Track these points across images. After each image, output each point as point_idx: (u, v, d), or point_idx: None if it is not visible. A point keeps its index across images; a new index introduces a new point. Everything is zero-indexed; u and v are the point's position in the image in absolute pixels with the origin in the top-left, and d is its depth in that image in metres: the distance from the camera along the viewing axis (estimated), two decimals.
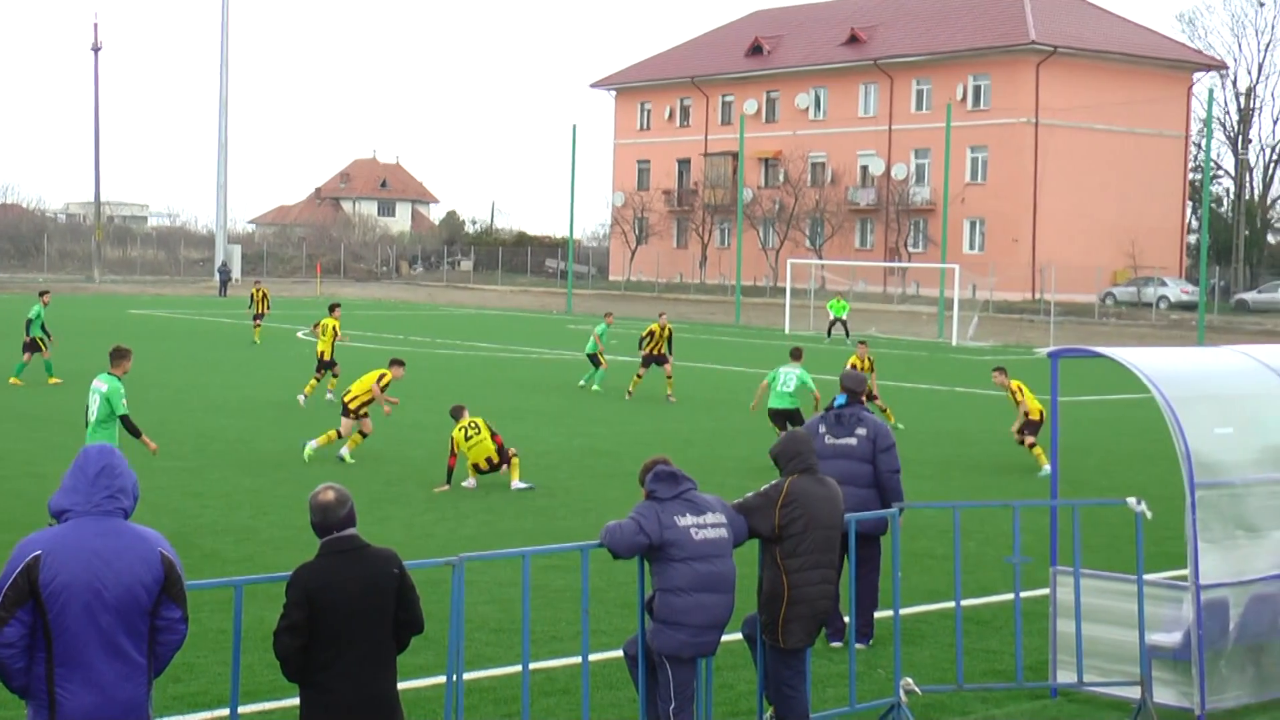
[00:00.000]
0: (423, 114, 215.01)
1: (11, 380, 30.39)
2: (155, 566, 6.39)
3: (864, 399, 12.39)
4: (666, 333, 31.58)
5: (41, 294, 34.32)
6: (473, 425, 19.26)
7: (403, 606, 7.08)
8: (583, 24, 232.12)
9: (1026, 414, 22.24)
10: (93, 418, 15.37)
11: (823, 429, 12.06)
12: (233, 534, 15.80)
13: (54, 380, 30.64)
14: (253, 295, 45.30)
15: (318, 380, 29.26)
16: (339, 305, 31.54)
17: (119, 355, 15.99)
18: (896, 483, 11.99)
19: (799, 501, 9.25)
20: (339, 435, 21.21)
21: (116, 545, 6.35)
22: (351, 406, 21.28)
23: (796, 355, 23.90)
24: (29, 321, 31.68)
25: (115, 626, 6.31)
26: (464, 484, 19.20)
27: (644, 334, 31.72)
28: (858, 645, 11.47)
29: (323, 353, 29.64)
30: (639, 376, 31.22)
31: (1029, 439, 22.23)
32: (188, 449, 21.90)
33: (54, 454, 20.29)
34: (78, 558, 6.28)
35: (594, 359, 32.55)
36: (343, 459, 20.85)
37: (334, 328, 29.93)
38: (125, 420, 15.33)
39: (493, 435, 19.30)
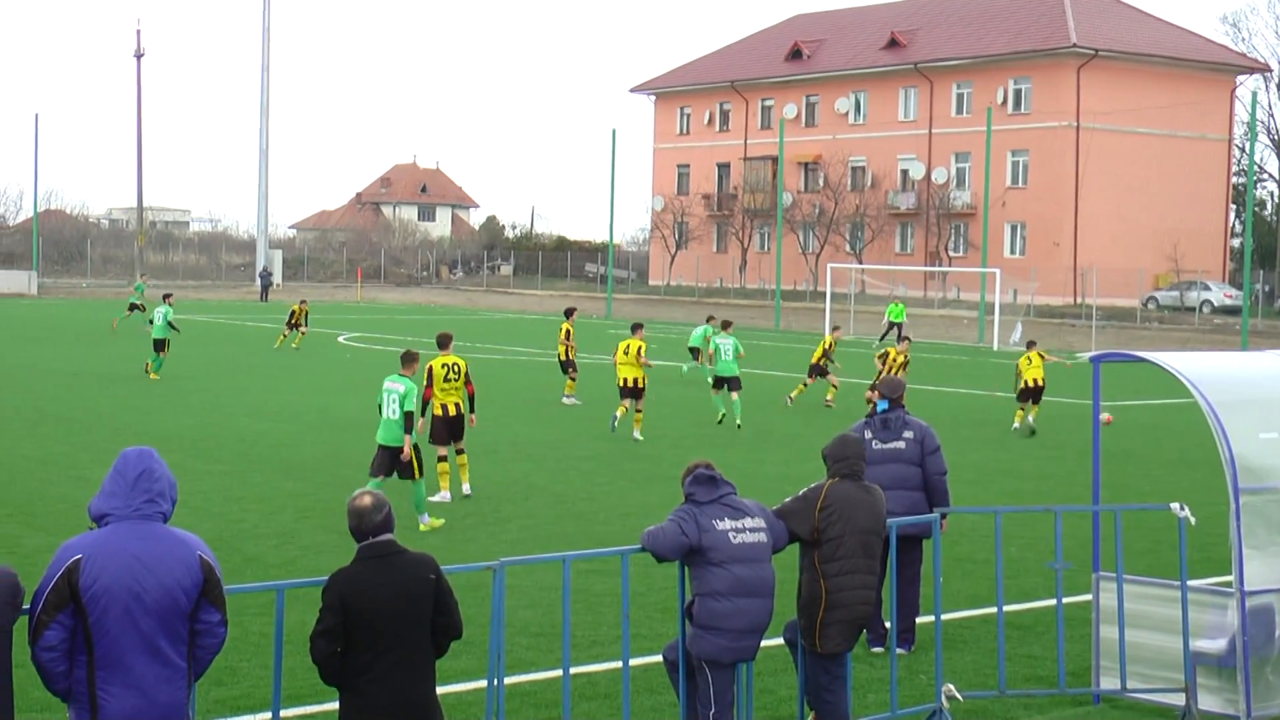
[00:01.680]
0: (463, 119, 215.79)
1: (152, 376, 33.28)
2: (194, 570, 6.43)
3: (903, 402, 12.40)
4: (834, 346, 31.81)
5: (166, 296, 37.30)
6: (455, 368, 18.66)
7: (440, 611, 7.09)
8: (622, 28, 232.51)
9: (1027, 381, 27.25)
10: (392, 415, 16.71)
11: (869, 434, 12.04)
12: (274, 538, 15.87)
13: (154, 376, 33.20)
14: (294, 311, 45.38)
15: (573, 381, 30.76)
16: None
17: (410, 359, 17.43)
18: (944, 485, 12.00)
19: (837, 506, 9.24)
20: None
21: (156, 549, 6.39)
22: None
23: (726, 325, 28.37)
24: (152, 323, 34.88)
25: (155, 630, 6.34)
26: (433, 498, 17.97)
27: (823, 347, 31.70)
28: (899, 651, 11.43)
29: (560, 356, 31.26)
30: (805, 386, 31.74)
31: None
32: (229, 453, 22.01)
33: (97, 457, 20.43)
34: (118, 561, 6.32)
35: (695, 352, 36.05)
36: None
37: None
38: (409, 416, 16.67)
39: (467, 383, 18.74)
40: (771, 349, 50.47)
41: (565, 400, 30.11)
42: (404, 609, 6.97)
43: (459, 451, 18.81)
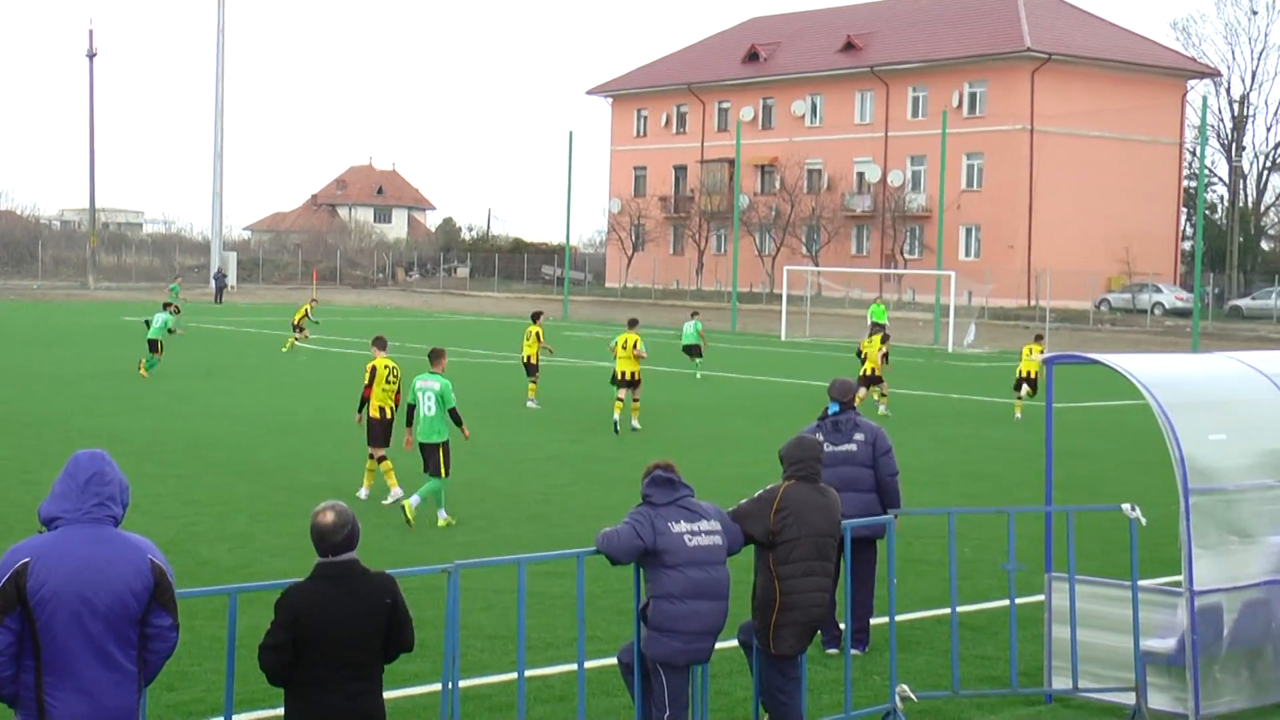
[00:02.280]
0: (419, 120, 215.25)
1: (142, 374, 34.30)
2: (145, 574, 6.38)
3: (855, 405, 12.42)
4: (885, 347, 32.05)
5: (166, 305, 38.88)
6: (394, 371, 18.95)
7: (394, 629, 7.04)
8: (579, 31, 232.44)
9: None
10: (430, 413, 17.26)
11: (820, 437, 11.99)
12: (228, 541, 15.80)
13: (144, 374, 34.22)
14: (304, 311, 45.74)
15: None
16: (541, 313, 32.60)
17: (438, 355, 17.96)
18: (895, 485, 12.04)
19: (792, 508, 9.27)
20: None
21: (106, 553, 6.34)
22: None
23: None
24: (149, 324, 36.12)
25: (105, 634, 6.29)
26: (389, 499, 18.30)
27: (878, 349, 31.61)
28: (854, 652, 11.51)
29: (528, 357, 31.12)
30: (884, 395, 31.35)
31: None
32: (183, 456, 21.89)
33: (46, 460, 20.28)
34: (67, 565, 6.26)
35: (691, 350, 36.92)
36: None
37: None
38: (453, 412, 17.33)
39: (398, 390, 18.89)
40: (728, 351, 50.53)
41: (530, 404, 30.15)
42: (357, 631, 6.90)
43: (380, 459, 18.76)
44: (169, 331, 36.31)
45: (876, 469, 12.00)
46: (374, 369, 18.84)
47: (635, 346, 26.88)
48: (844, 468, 11.88)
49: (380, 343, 19.63)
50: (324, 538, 6.96)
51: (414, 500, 16.94)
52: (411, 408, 17.67)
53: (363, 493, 18.54)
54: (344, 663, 6.90)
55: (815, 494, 9.42)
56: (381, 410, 18.70)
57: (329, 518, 6.96)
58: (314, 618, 6.85)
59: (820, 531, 9.33)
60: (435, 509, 17.17)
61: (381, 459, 18.64)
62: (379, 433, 18.70)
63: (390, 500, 18.24)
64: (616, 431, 25.81)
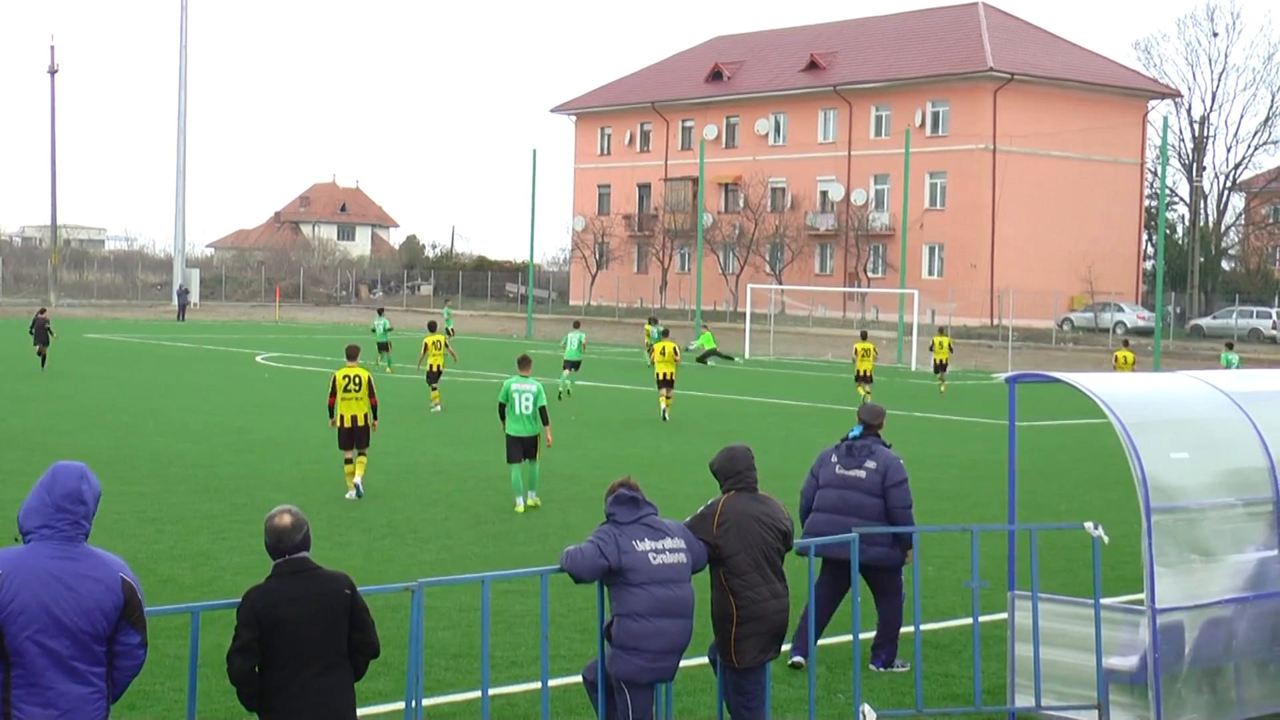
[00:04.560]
0: (383, 138, 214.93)
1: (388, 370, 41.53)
2: (116, 592, 6.38)
3: (879, 431, 12.36)
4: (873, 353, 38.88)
5: (380, 310, 50.04)
6: (356, 379, 20.16)
7: (356, 628, 7.12)
8: (543, 49, 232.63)
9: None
10: (527, 411, 19.54)
11: (834, 459, 12.11)
12: (190, 559, 15.70)
13: (389, 370, 42.25)
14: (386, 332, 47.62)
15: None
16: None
17: (525, 361, 20.17)
18: (906, 518, 12.00)
19: (732, 521, 9.25)
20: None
21: (76, 569, 6.34)
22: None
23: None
24: (374, 330, 44.77)
25: (73, 650, 6.29)
26: (347, 496, 19.85)
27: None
28: (875, 667, 12.00)
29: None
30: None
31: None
32: (144, 474, 21.76)
33: (10, 478, 20.16)
34: (37, 580, 6.27)
35: (572, 365, 38.48)
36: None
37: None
38: (543, 410, 19.67)
39: (371, 394, 20.23)
40: (692, 369, 50.58)
41: (435, 409, 31.60)
42: (320, 623, 6.99)
43: (360, 453, 20.25)
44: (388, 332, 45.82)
45: (886, 500, 11.97)
46: (333, 380, 20.34)
47: (675, 353, 32.62)
48: (847, 492, 11.94)
49: (350, 352, 20.96)
50: (281, 539, 7.11)
51: (531, 495, 19.54)
52: (502, 406, 19.71)
53: (353, 494, 19.89)
54: (311, 657, 6.96)
55: (754, 503, 9.39)
56: (342, 419, 20.10)
57: (286, 520, 7.11)
58: (276, 612, 6.94)
59: (760, 541, 9.29)
60: (529, 490, 19.59)
61: (348, 460, 20.05)
62: (345, 439, 20.13)
63: (351, 494, 19.78)
64: (665, 419, 31.39)
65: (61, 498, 6.42)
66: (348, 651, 7.11)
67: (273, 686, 6.96)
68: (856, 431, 12.22)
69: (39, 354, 40.97)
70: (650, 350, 35.25)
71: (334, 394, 20.21)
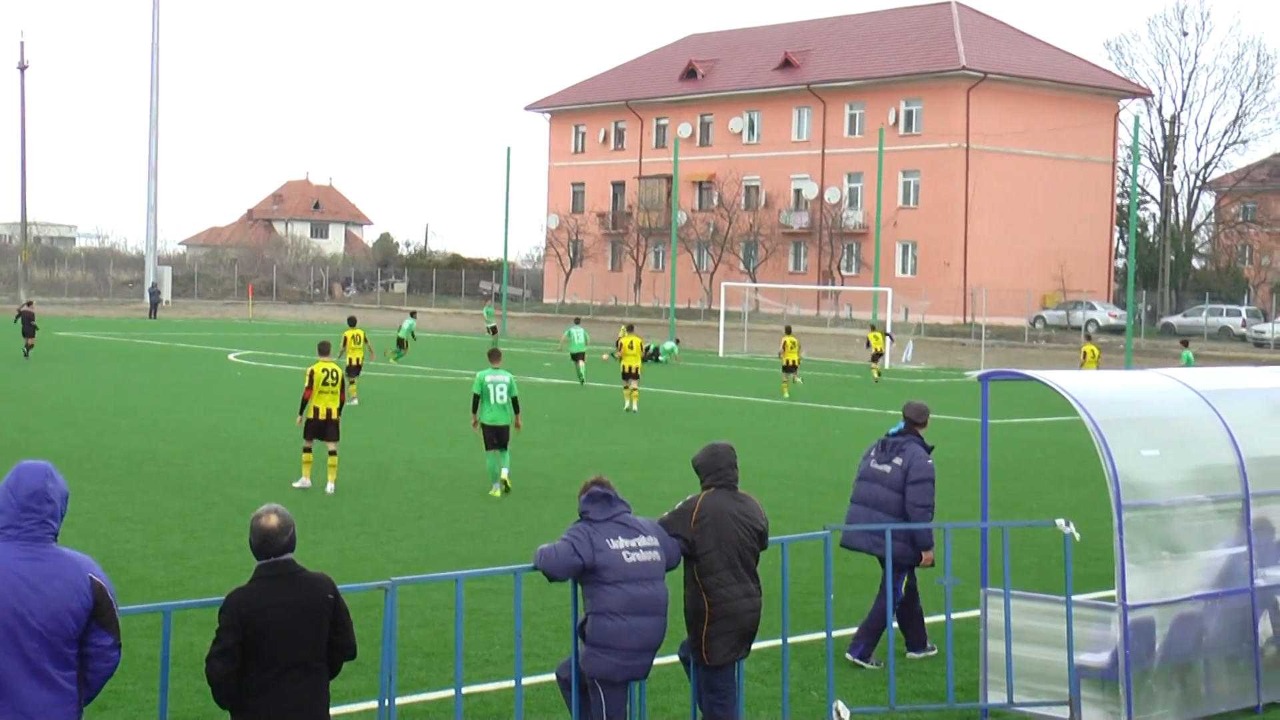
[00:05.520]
0: (356, 135, 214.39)
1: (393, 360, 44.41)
2: (85, 593, 6.27)
3: (920, 429, 12.56)
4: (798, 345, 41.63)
5: (412, 312, 52.59)
6: (333, 373, 20.82)
7: (336, 631, 7.07)
8: (517, 47, 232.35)
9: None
10: (501, 401, 20.61)
11: (872, 452, 12.51)
12: (162, 559, 15.65)
13: (393, 359, 45.79)
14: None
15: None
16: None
17: (495, 354, 21.63)
18: (920, 516, 12.13)
19: (710, 518, 9.26)
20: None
21: (43, 570, 6.23)
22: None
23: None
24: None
25: (41, 653, 6.18)
26: (295, 484, 20.45)
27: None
28: (912, 655, 12.31)
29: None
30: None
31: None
32: (116, 472, 21.68)
33: None
34: (4, 582, 6.17)
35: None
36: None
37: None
38: (515, 400, 20.73)
39: (342, 390, 20.95)
40: (665, 367, 50.62)
41: (353, 402, 31.64)
42: (301, 628, 6.93)
43: (331, 453, 20.58)
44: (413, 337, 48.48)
45: (904, 496, 12.15)
46: (311, 373, 20.72)
47: (643, 347, 34.76)
48: (874, 485, 12.26)
49: (323, 348, 21.58)
50: (268, 540, 7.00)
51: (505, 472, 20.49)
52: (477, 397, 20.71)
53: (304, 481, 20.48)
54: (291, 662, 6.90)
55: (733, 501, 9.40)
56: (316, 411, 20.57)
57: (273, 521, 7.01)
58: (260, 616, 6.86)
59: (738, 539, 9.30)
60: (501, 469, 20.57)
61: (308, 449, 20.72)
62: (313, 431, 20.62)
63: (297, 485, 20.34)
64: (634, 410, 33.05)
65: (26, 497, 6.30)
66: (326, 654, 7.07)
67: (251, 689, 6.90)
68: (898, 427, 12.46)
69: (26, 345, 44.39)
70: (618, 346, 36.02)
71: (310, 387, 20.62)
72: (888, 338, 53.32)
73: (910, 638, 12.52)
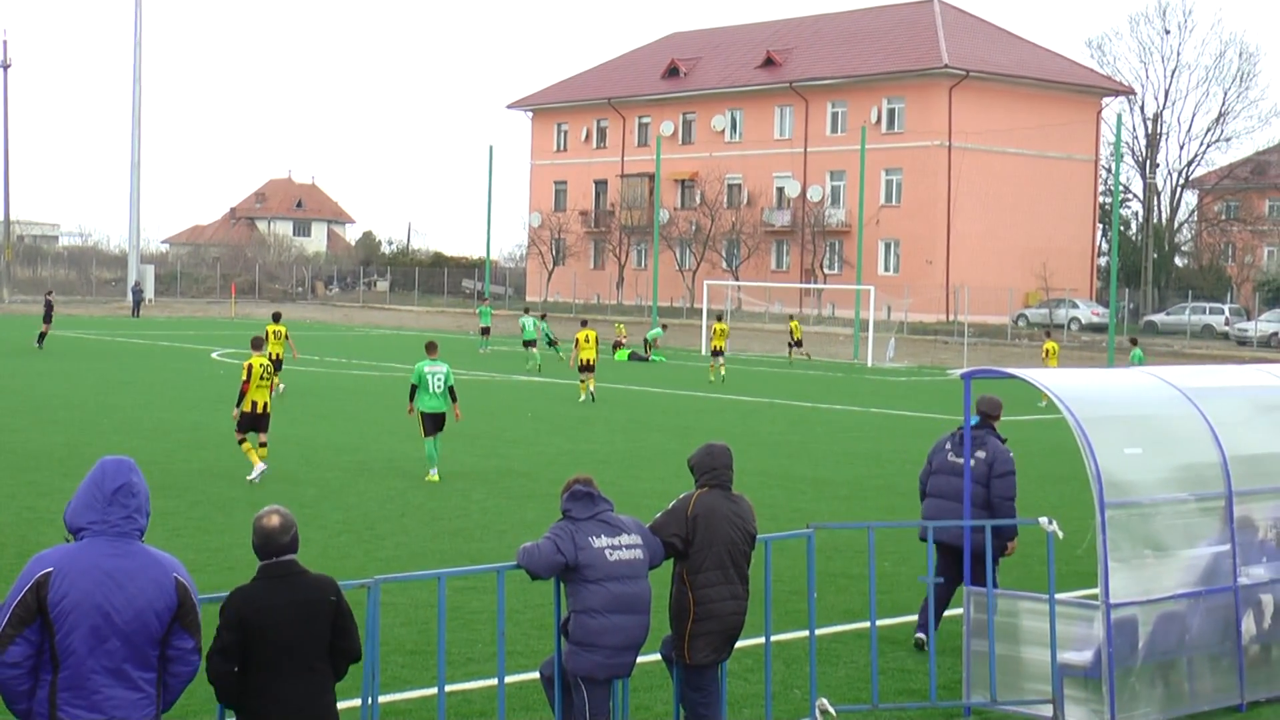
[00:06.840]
0: (339, 134, 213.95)
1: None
2: (169, 593, 6.19)
3: (995, 422, 12.61)
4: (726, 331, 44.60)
5: (542, 316, 51.25)
6: (266, 368, 21.42)
7: (339, 634, 7.01)
8: (499, 45, 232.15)
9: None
10: (438, 390, 21.70)
11: (948, 445, 12.52)
12: None
13: (561, 355, 46.85)
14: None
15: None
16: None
17: (432, 346, 22.61)
18: (1007, 510, 12.19)
19: (703, 517, 9.26)
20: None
21: (130, 567, 6.14)
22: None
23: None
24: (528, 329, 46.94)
25: (123, 652, 6.09)
26: (250, 477, 20.69)
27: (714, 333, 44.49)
28: (920, 636, 12.35)
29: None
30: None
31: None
32: None
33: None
34: (89, 578, 6.06)
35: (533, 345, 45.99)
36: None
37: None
38: (452, 390, 21.87)
39: (273, 384, 21.79)
40: (647, 365, 50.61)
41: (280, 388, 32.08)
42: (303, 629, 6.88)
43: (262, 444, 21.33)
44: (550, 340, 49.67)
45: (990, 490, 12.19)
46: (250, 367, 21.33)
47: (597, 341, 35.91)
48: (954, 478, 12.24)
49: (256, 343, 22.39)
50: (270, 540, 6.96)
51: (433, 471, 21.36)
52: (414, 387, 21.76)
53: (261, 468, 20.87)
54: (292, 663, 6.85)
55: (726, 502, 9.40)
56: (254, 404, 21.19)
57: (275, 521, 6.97)
58: (261, 616, 6.82)
59: (729, 540, 9.30)
60: (429, 466, 21.39)
61: (242, 440, 21.25)
62: (248, 423, 21.25)
63: (254, 475, 20.57)
64: (587, 400, 34.16)
65: (113, 491, 6.23)
66: (328, 655, 7.02)
67: (252, 689, 6.87)
68: (974, 421, 12.46)
69: (41, 332, 48.11)
70: (576, 344, 36.49)
71: (249, 380, 21.24)
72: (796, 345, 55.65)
73: (929, 620, 12.50)
